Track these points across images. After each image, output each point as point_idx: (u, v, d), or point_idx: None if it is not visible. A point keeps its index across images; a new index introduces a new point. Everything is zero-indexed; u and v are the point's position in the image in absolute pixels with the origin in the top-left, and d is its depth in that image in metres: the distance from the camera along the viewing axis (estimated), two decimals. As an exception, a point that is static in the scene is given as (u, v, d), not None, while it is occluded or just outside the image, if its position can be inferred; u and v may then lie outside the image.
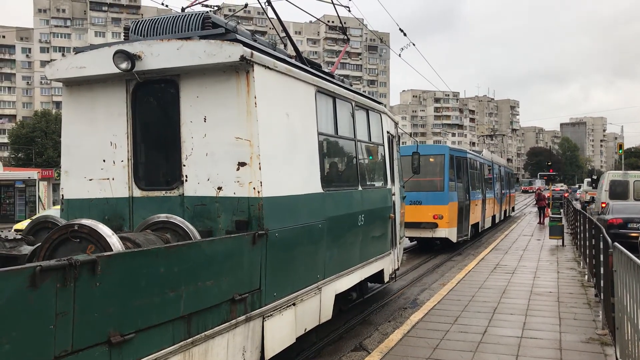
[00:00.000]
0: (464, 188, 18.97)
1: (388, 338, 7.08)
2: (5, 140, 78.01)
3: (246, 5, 8.98)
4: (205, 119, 5.36)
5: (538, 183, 71.50)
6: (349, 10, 11.11)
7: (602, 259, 7.70)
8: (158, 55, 5.29)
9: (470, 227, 19.56)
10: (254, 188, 5.20)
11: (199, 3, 8.29)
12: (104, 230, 4.02)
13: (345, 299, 8.11)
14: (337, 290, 7.12)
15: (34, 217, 7.63)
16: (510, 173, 36.54)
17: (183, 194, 5.44)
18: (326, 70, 8.37)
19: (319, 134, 6.61)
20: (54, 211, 15.79)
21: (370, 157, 8.97)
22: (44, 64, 76.90)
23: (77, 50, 5.94)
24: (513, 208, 37.79)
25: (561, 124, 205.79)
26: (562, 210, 27.03)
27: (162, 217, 4.95)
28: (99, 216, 5.54)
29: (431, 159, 17.24)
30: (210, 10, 8.50)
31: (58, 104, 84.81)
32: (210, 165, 5.34)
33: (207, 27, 5.65)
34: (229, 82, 5.29)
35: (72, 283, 3.14)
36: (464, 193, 18.97)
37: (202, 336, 4.38)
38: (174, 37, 5.54)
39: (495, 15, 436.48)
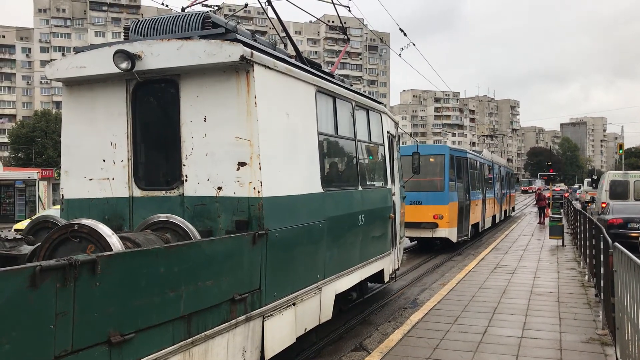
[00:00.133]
0: (464, 188, 18.97)
1: (388, 338, 7.07)
2: (5, 140, 78.02)
3: (246, 5, 8.98)
4: (205, 118, 5.36)
5: (538, 183, 71.47)
6: (349, 10, 11.11)
7: (602, 259, 7.70)
8: (158, 55, 5.29)
9: (470, 227, 19.56)
10: (254, 188, 5.19)
11: (199, 3, 8.29)
12: (104, 230, 4.02)
13: (346, 299, 8.10)
14: (337, 290, 7.11)
15: (33, 217, 7.63)
16: (510, 173, 36.54)
17: (183, 193, 5.44)
18: (326, 70, 8.37)
19: (319, 133, 6.61)
20: (54, 211, 15.79)
21: (371, 157, 8.97)
22: (44, 63, 76.90)
23: (77, 50, 5.94)
24: (513, 208, 37.79)
25: (561, 124, 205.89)
26: (562, 210, 27.04)
27: (162, 217, 4.95)
28: (99, 216, 5.54)
29: (431, 159, 17.24)
30: (210, 10, 8.50)
31: (58, 104, 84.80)
32: (210, 165, 5.34)
33: (207, 27, 5.65)
34: (229, 82, 5.29)
35: (72, 283, 3.14)
36: (464, 193, 18.97)
37: (202, 336, 4.38)
38: (174, 37, 5.54)
39: (495, 15, 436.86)
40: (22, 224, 16.73)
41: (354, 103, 7.90)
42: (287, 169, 5.82)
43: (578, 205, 26.74)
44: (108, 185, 5.75)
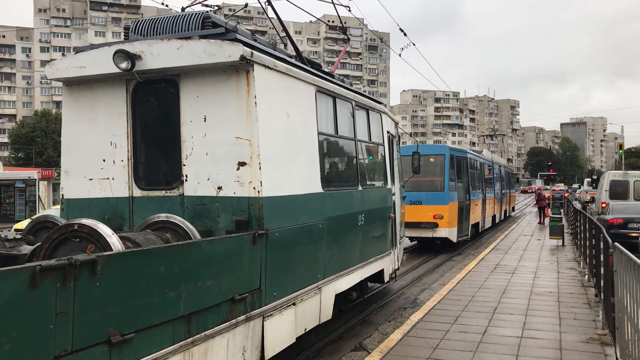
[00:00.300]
0: (464, 188, 18.97)
1: (388, 338, 7.07)
2: (6, 140, 78.01)
3: (246, 5, 8.97)
4: (205, 118, 5.36)
5: (538, 183, 71.43)
6: (349, 10, 11.12)
7: (602, 259, 7.70)
8: (158, 54, 5.29)
9: (470, 227, 19.56)
10: (254, 188, 5.19)
11: (199, 3, 8.29)
12: (104, 229, 4.02)
13: (346, 298, 8.11)
14: (337, 290, 7.11)
15: (33, 217, 7.63)
16: (510, 173, 36.54)
17: (183, 193, 5.44)
18: (326, 70, 8.37)
19: (319, 133, 6.61)
20: (54, 211, 15.79)
21: (371, 157, 8.97)
22: (44, 63, 76.89)
23: (77, 50, 5.94)
24: (513, 208, 37.80)
25: (561, 124, 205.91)
26: (562, 210, 27.04)
27: (162, 216, 4.95)
28: (99, 216, 5.54)
29: (431, 159, 17.25)
30: (210, 10, 8.50)
31: (58, 104, 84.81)
32: (210, 165, 5.34)
33: (207, 26, 5.65)
34: (229, 82, 5.29)
35: (72, 283, 3.14)
36: (464, 193, 18.97)
37: (202, 336, 4.38)
38: (174, 37, 5.54)
39: (495, 15, 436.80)
40: (22, 224, 16.73)
41: (354, 103, 7.90)
42: (287, 169, 5.82)
43: (578, 205, 26.74)
44: (108, 185, 5.75)
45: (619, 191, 22.44)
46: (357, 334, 8.08)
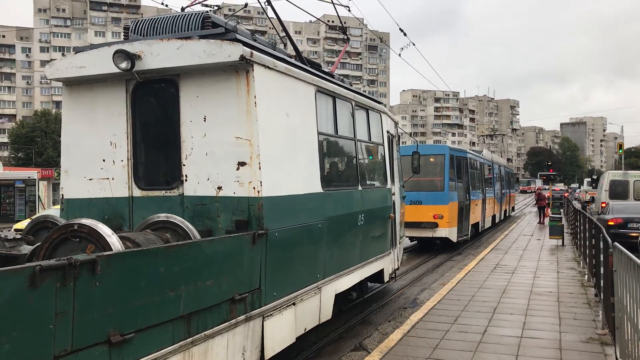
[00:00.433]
0: (464, 188, 18.98)
1: (388, 338, 7.07)
2: (5, 139, 78.01)
3: (246, 5, 8.97)
4: (205, 118, 5.36)
5: (538, 183, 71.37)
6: (349, 10, 11.11)
7: (602, 258, 7.70)
8: (158, 54, 5.29)
9: (470, 226, 19.56)
10: (254, 188, 5.19)
11: (199, 3, 8.29)
12: (104, 229, 4.02)
13: (345, 298, 8.11)
14: (337, 290, 7.12)
15: (33, 217, 7.63)
16: (510, 173, 36.55)
17: (183, 193, 5.44)
18: (326, 69, 8.37)
19: (319, 133, 6.61)
20: (54, 211, 15.78)
21: (370, 157, 8.97)
22: (43, 63, 76.78)
23: (77, 50, 5.94)
24: (513, 208, 37.80)
25: (561, 124, 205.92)
26: (562, 210, 27.05)
27: (162, 216, 4.95)
28: (98, 216, 5.54)
29: (431, 159, 17.25)
30: (210, 10, 8.50)
31: (58, 104, 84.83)
32: (210, 164, 5.34)
33: (206, 26, 5.65)
34: (228, 82, 5.29)
35: (71, 283, 3.14)
36: (464, 193, 18.97)
37: (202, 336, 4.38)
38: (173, 37, 5.54)
39: (495, 15, 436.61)
40: (22, 224, 16.72)
41: (353, 103, 7.90)
42: (287, 169, 5.82)
43: (578, 205, 26.74)
44: (108, 185, 5.75)
45: (618, 191, 22.45)
46: (357, 334, 8.08)
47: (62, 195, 6.06)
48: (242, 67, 5.21)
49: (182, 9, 6.63)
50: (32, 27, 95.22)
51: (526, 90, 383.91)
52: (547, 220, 23.60)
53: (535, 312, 8.40)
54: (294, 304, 5.92)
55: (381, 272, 9.13)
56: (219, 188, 5.30)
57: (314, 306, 6.45)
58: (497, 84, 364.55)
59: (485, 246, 17.73)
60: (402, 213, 11.16)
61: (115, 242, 3.98)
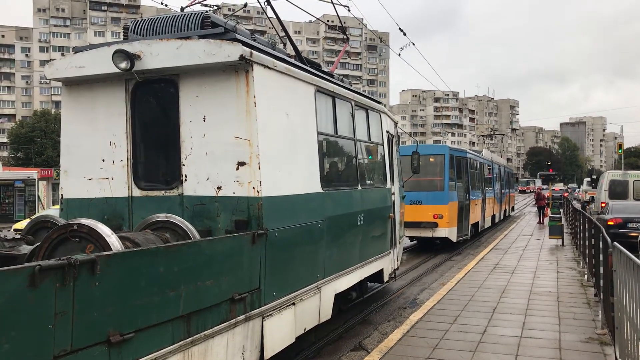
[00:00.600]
0: (464, 188, 18.99)
1: (387, 338, 7.07)
2: (5, 139, 77.98)
3: (245, 4, 8.97)
4: (204, 118, 5.36)
5: (538, 183, 71.33)
6: (349, 10, 11.12)
7: (601, 258, 7.70)
8: (157, 54, 5.28)
9: (470, 226, 19.58)
10: (254, 188, 5.19)
11: (199, 2, 8.29)
12: (103, 229, 4.02)
13: (345, 298, 8.11)
14: (336, 289, 7.12)
15: (33, 217, 7.63)
16: (510, 173, 36.56)
17: (182, 193, 5.44)
18: (326, 69, 8.37)
19: (319, 133, 6.61)
20: (54, 211, 15.78)
21: (370, 157, 8.97)
22: (43, 63, 76.73)
23: (77, 50, 5.93)
24: (513, 208, 37.81)
25: (561, 124, 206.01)
26: (561, 210, 27.05)
27: (162, 216, 4.95)
28: (98, 216, 5.54)
29: (431, 159, 17.27)
30: (209, 10, 8.50)
31: (57, 104, 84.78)
32: (210, 164, 5.34)
33: (206, 26, 5.65)
34: (228, 82, 5.29)
35: (71, 282, 3.14)
36: (464, 193, 18.99)
37: (202, 336, 4.38)
38: (173, 37, 5.54)
39: (496, 15, 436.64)
40: (22, 224, 16.71)
41: (353, 103, 7.90)
42: (286, 169, 5.82)
43: (577, 205, 26.75)
44: (107, 185, 5.74)
45: (618, 191, 22.46)
46: (357, 334, 8.08)
47: (62, 195, 6.06)
48: (242, 67, 5.21)
49: (182, 9, 6.63)
50: (32, 27, 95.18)
51: (526, 90, 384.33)
52: (546, 220, 23.61)
53: (535, 312, 8.40)
54: (293, 303, 5.92)
55: (381, 272, 9.13)
56: (219, 188, 5.30)
57: (313, 306, 6.45)
58: (497, 84, 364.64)
59: (485, 246, 17.74)
60: (402, 213, 11.16)
61: (114, 242, 3.98)
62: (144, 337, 3.73)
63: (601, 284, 7.66)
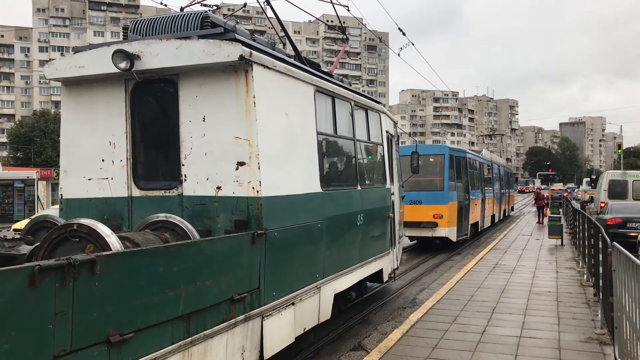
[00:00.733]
0: (463, 188, 19.01)
1: (387, 337, 7.07)
2: (4, 139, 77.90)
3: (245, 4, 8.97)
4: (204, 118, 5.36)
5: (538, 183, 71.34)
6: (348, 10, 11.12)
7: (601, 258, 7.71)
8: (157, 54, 5.29)
9: (469, 226, 19.60)
10: (253, 188, 5.20)
11: (198, 2, 8.29)
12: (103, 229, 4.02)
13: (345, 298, 8.11)
14: (336, 289, 7.12)
15: (32, 217, 7.62)
16: (509, 173, 36.58)
17: (182, 193, 5.44)
18: (325, 69, 8.37)
19: (318, 133, 6.61)
20: (53, 210, 15.77)
21: (370, 157, 8.97)
22: (42, 63, 76.75)
23: (76, 50, 5.93)
24: (512, 207, 37.83)
25: (560, 124, 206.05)
26: (561, 210, 27.07)
27: (161, 216, 4.95)
28: (98, 216, 5.54)
29: (431, 159, 17.29)
30: (209, 10, 8.49)
31: (57, 104, 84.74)
32: (209, 164, 5.34)
33: (206, 26, 5.65)
34: (228, 82, 5.29)
35: (71, 282, 3.14)
36: (464, 193, 19.00)
37: (201, 336, 4.38)
38: (172, 37, 5.54)
39: (496, 15, 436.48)
40: (21, 224, 16.69)
41: (352, 103, 7.90)
42: (286, 169, 5.82)
43: (577, 205, 26.76)
44: (107, 185, 5.74)
45: (617, 191, 22.48)
46: (356, 334, 8.08)
47: (61, 195, 6.06)
48: (241, 67, 5.21)
49: (181, 9, 6.63)
50: (31, 26, 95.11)
51: (526, 90, 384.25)
52: (546, 220, 23.62)
53: (534, 312, 8.41)
54: (293, 303, 5.92)
55: (380, 271, 9.13)
56: (218, 188, 5.30)
57: (313, 306, 6.45)
58: (496, 84, 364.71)
59: (485, 246, 17.74)
60: (401, 213, 11.17)
61: (114, 242, 3.98)
62: (143, 337, 3.73)
63: (600, 284, 7.67)
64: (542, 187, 46.21)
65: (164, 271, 3.93)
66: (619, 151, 33.23)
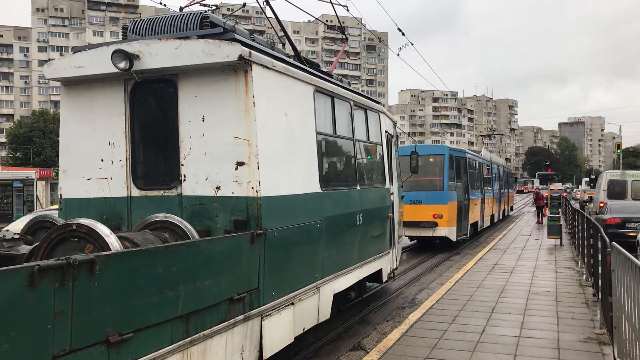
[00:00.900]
0: (463, 188, 19.03)
1: (386, 337, 7.08)
2: (3, 139, 77.83)
3: (244, 4, 8.97)
4: (203, 118, 5.36)
5: (537, 183, 71.36)
6: (348, 10, 11.13)
7: (600, 258, 7.71)
8: (156, 54, 5.28)
9: (469, 226, 19.62)
10: (252, 187, 5.20)
11: (197, 2, 8.28)
12: (102, 229, 4.01)
13: (344, 298, 8.11)
14: (335, 289, 7.12)
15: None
16: (508, 173, 36.60)
17: (181, 193, 5.44)
18: (324, 69, 8.37)
19: (318, 133, 6.61)
20: (53, 211, 15.70)
21: (369, 157, 8.98)
22: (42, 63, 76.85)
23: (75, 50, 5.93)
24: (512, 207, 37.85)
25: (559, 124, 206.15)
26: (560, 210, 27.08)
27: (161, 216, 4.95)
28: (97, 216, 5.54)
29: (431, 159, 17.32)
30: (208, 10, 8.49)
31: (56, 104, 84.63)
32: (209, 164, 5.34)
33: (205, 26, 5.65)
34: (227, 82, 5.29)
35: (70, 282, 3.14)
36: (463, 192, 19.03)
37: (201, 336, 4.38)
38: (172, 37, 5.54)
39: (495, 15, 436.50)
40: (16, 224, 16.61)
41: (352, 103, 7.90)
42: (285, 169, 5.82)
43: (576, 205, 26.78)
44: (106, 185, 5.74)
45: (616, 191, 22.50)
46: (356, 334, 8.08)
47: (61, 195, 6.06)
48: (241, 66, 5.21)
49: (181, 9, 6.63)
50: (30, 26, 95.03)
51: (526, 90, 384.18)
52: (545, 220, 23.63)
53: (534, 312, 8.41)
54: (292, 303, 5.92)
55: (380, 271, 9.13)
56: (218, 188, 5.30)
57: (312, 306, 6.45)
58: (496, 84, 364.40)
59: (484, 246, 17.75)
60: (401, 213, 11.17)
61: (113, 242, 3.98)
62: (142, 337, 3.73)
63: (599, 284, 7.68)
64: (541, 187, 46.25)
65: (163, 271, 3.93)
66: (618, 151, 33.27)
